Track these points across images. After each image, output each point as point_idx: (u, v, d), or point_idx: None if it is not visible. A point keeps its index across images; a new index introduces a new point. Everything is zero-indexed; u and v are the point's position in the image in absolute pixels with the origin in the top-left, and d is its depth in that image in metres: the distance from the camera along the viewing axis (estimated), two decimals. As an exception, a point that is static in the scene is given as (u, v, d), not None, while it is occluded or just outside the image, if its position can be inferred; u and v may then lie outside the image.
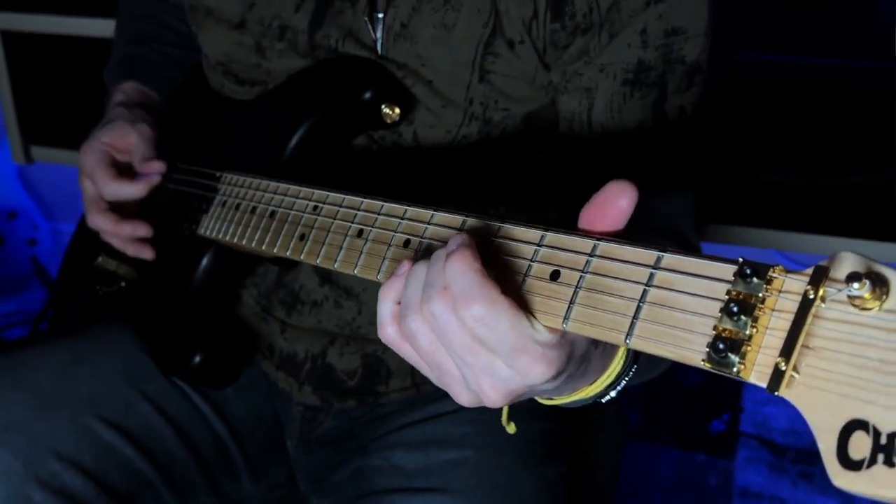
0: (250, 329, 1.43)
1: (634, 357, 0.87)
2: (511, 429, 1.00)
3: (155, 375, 1.35)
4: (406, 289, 0.77)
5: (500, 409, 0.95)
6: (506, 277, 0.77)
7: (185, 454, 1.36)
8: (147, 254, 1.37)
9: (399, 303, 0.79)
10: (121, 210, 1.37)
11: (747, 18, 2.12)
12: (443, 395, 1.30)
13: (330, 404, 1.38)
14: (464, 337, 0.73)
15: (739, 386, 2.67)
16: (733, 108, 1.93)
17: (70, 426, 1.26)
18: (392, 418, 1.35)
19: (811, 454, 2.52)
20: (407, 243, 0.88)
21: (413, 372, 1.34)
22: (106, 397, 1.31)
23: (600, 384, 0.85)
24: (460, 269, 0.71)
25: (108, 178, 1.34)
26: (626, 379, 0.88)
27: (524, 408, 1.28)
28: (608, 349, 0.83)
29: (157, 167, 1.36)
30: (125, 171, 1.37)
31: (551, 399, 0.88)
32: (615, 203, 0.74)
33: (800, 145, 1.95)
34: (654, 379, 0.97)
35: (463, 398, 0.79)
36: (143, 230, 1.35)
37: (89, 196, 1.37)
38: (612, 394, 0.88)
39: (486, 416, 1.28)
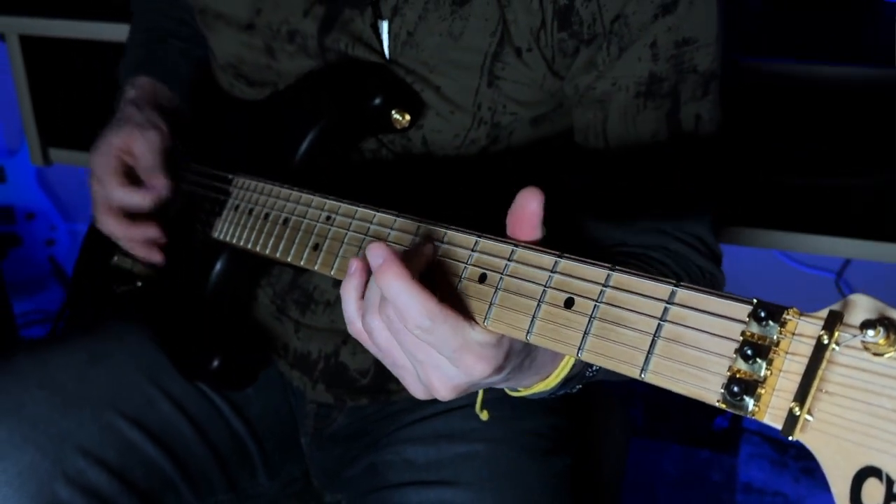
0: (266, 329, 1.42)
1: None
2: (484, 416, 1.11)
3: (174, 374, 1.34)
4: (368, 290, 0.82)
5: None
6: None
7: (205, 452, 1.36)
8: (156, 257, 1.34)
9: (361, 298, 0.84)
10: (131, 213, 1.33)
11: (754, 24, 2.11)
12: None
13: (343, 402, 1.38)
14: (413, 338, 0.79)
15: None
16: (736, 110, 1.92)
17: (93, 423, 1.26)
18: (403, 415, 1.34)
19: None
20: None
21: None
22: (126, 395, 1.30)
23: (556, 377, 0.91)
24: (396, 287, 0.76)
25: (115, 185, 1.29)
26: (592, 374, 0.96)
27: (533, 404, 1.31)
28: None
29: (159, 184, 1.30)
30: (134, 176, 1.33)
31: (517, 391, 0.95)
32: (526, 209, 0.80)
33: (801, 146, 1.94)
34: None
35: (417, 391, 0.86)
36: (153, 232, 1.32)
37: (98, 199, 1.33)
38: (579, 386, 0.98)
39: (495, 411, 1.28)
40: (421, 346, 0.79)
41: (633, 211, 1.17)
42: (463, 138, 1.20)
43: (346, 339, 1.34)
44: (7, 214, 3.12)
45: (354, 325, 0.85)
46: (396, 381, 1.32)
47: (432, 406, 1.32)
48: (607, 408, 1.61)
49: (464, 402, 1.30)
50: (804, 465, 2.59)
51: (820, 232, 1.95)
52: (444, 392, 0.82)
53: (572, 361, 0.90)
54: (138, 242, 1.33)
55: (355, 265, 0.84)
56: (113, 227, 1.32)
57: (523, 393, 0.94)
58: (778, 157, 1.96)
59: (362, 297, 0.84)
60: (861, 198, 1.94)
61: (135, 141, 1.31)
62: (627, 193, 1.18)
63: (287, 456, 1.47)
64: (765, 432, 2.68)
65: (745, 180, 1.98)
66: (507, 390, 0.96)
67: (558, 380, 0.91)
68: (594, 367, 0.94)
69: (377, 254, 0.77)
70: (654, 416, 2.76)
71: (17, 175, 3.12)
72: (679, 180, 1.18)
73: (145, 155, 1.31)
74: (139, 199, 1.30)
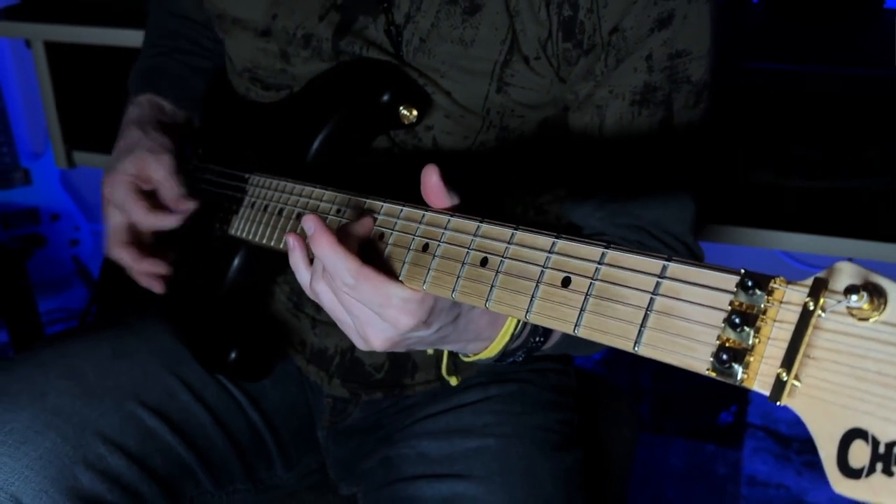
0: (283, 324, 1.43)
1: (538, 328, 1.01)
2: (453, 381, 1.21)
3: (194, 366, 1.34)
4: (315, 261, 0.93)
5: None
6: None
7: (223, 441, 1.36)
8: (157, 288, 1.36)
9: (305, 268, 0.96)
10: (140, 239, 1.36)
11: (756, 29, 2.11)
12: (465, 388, 1.33)
13: (358, 396, 1.38)
14: (349, 297, 0.90)
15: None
16: (740, 113, 1.92)
17: (114, 412, 1.26)
18: (418, 409, 1.35)
19: (815, 444, 2.52)
20: (426, 247, 0.88)
21: (437, 365, 1.34)
22: (147, 386, 1.30)
23: (496, 346, 0.99)
24: (326, 250, 0.88)
25: (144, 211, 1.31)
26: (535, 345, 1.03)
27: (543, 400, 1.31)
28: (496, 314, 0.96)
29: (188, 207, 1.33)
30: (154, 200, 1.34)
31: (467, 357, 1.03)
32: (429, 181, 0.90)
33: (803, 149, 1.94)
34: (665, 372, 1.03)
35: (358, 343, 0.95)
36: (161, 268, 1.34)
37: (115, 226, 1.35)
38: (523, 356, 1.05)
39: (506, 407, 1.30)
40: (356, 303, 0.90)
41: (619, 206, 1.19)
42: (473, 140, 1.20)
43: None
44: (32, 215, 3.14)
45: (307, 290, 0.96)
46: (411, 375, 1.34)
47: (445, 401, 1.33)
48: (616, 404, 1.62)
49: (477, 398, 1.32)
50: (806, 458, 2.58)
51: (821, 232, 1.95)
52: (377, 343, 0.92)
53: (511, 332, 0.99)
54: (145, 275, 1.36)
55: (292, 240, 0.95)
56: (126, 258, 1.35)
57: (472, 358, 1.03)
58: (780, 159, 1.96)
59: (306, 265, 0.96)
60: (862, 198, 1.94)
61: (149, 167, 1.33)
62: (616, 189, 1.20)
63: (303, 448, 1.47)
64: (769, 427, 2.68)
65: (747, 181, 1.98)
66: (460, 356, 1.05)
67: (499, 348, 1.00)
68: (538, 339, 1.03)
69: (309, 225, 0.89)
70: (661, 412, 2.76)
71: (42, 177, 3.14)
72: (666, 181, 1.20)
73: (166, 181, 1.33)
74: (171, 221, 1.32)
